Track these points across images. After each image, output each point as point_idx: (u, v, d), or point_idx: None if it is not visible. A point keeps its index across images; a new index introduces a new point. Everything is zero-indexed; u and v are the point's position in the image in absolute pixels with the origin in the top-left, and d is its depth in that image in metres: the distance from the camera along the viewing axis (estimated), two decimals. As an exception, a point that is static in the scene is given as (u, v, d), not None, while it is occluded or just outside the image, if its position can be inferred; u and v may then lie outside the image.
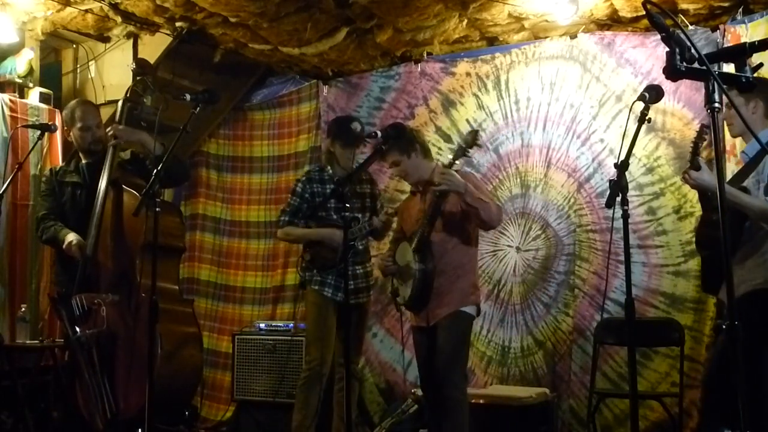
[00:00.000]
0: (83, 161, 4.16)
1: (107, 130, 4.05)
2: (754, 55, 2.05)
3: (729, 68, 2.12)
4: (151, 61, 4.92)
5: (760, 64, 2.40)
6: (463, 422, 3.52)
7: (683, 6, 4.43)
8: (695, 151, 3.13)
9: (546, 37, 5.05)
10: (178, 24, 4.92)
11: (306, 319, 4.34)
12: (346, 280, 3.38)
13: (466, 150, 3.55)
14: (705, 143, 3.24)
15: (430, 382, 3.71)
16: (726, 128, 4.38)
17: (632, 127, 2.86)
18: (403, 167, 3.76)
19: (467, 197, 3.49)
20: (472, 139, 3.54)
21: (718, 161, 2.27)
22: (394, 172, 4.01)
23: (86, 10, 4.83)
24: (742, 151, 3.24)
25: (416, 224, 3.70)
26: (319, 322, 4.09)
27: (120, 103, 4.12)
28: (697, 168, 2.99)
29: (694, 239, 4.45)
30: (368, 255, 4.33)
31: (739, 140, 4.25)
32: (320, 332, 4.07)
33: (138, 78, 4.12)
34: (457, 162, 3.59)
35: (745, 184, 3.06)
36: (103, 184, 3.92)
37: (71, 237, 3.91)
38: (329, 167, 4.21)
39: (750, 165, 3.12)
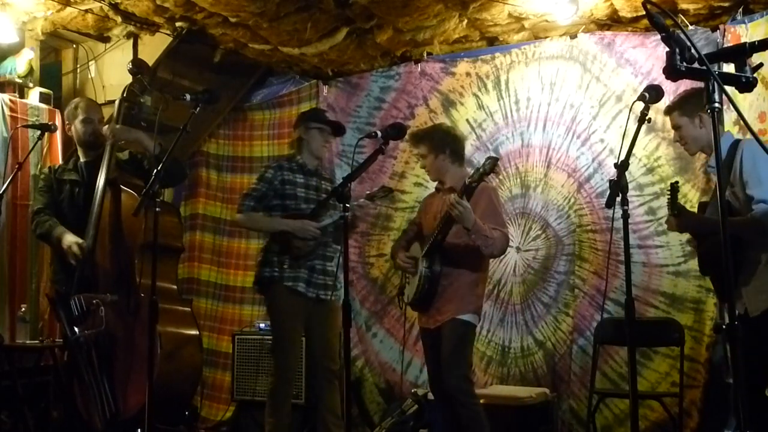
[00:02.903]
0: (82, 160, 4.17)
1: (104, 128, 4.06)
2: (754, 55, 2.05)
3: (729, 68, 2.11)
4: (151, 61, 4.93)
5: (760, 64, 2.39)
6: (483, 423, 3.58)
7: (683, 6, 4.43)
8: (673, 201, 3.30)
9: (546, 37, 5.05)
10: (178, 24, 4.92)
11: (271, 320, 4.11)
12: (346, 278, 3.20)
13: (484, 176, 3.53)
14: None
15: (437, 383, 3.75)
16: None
17: (632, 127, 2.86)
18: (427, 163, 3.84)
19: (472, 234, 3.54)
20: (491, 167, 3.51)
21: (718, 161, 2.26)
22: (420, 162, 4.05)
23: (86, 10, 4.84)
24: (708, 165, 3.29)
25: (433, 223, 3.74)
26: (288, 324, 3.93)
27: (117, 103, 4.13)
28: (678, 213, 3.23)
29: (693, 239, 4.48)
30: (334, 254, 4.19)
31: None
32: (288, 334, 3.94)
33: (135, 78, 4.12)
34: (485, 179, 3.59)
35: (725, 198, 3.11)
36: (101, 181, 3.92)
37: (70, 239, 3.90)
38: (299, 156, 4.10)
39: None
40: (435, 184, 5.29)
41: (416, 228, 3.99)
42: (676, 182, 3.44)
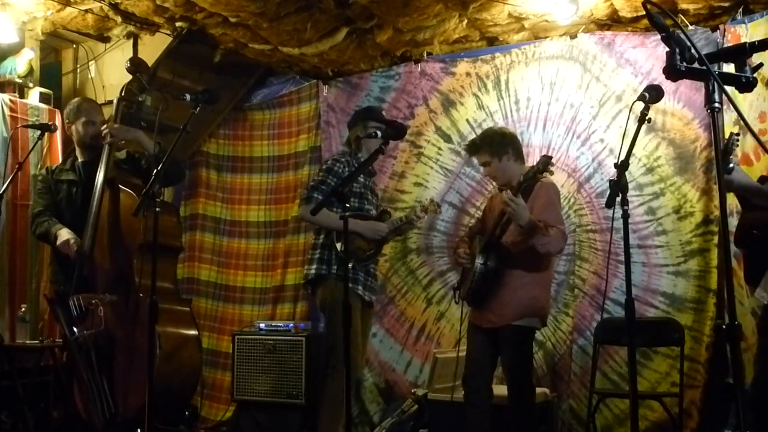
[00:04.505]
0: (79, 159, 4.17)
1: (102, 128, 4.06)
2: (754, 55, 2.05)
3: (729, 68, 2.11)
4: (151, 61, 4.92)
5: (760, 64, 2.39)
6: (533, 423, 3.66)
7: (683, 6, 4.43)
8: (725, 156, 3.09)
9: (546, 37, 5.05)
10: (178, 24, 4.92)
11: (329, 316, 3.98)
12: (346, 276, 3.18)
13: (538, 174, 3.47)
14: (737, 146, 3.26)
15: (472, 380, 3.72)
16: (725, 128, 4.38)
17: (632, 127, 2.86)
18: (492, 169, 3.77)
19: (525, 231, 3.49)
20: (544, 165, 3.46)
21: (718, 161, 2.26)
22: (483, 171, 4.06)
23: (86, 10, 4.84)
24: None
25: (492, 220, 3.74)
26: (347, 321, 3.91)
27: (115, 102, 4.13)
28: (730, 171, 3.01)
29: (693, 239, 4.48)
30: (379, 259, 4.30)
31: (740, 139, 4.25)
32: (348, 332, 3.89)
33: (133, 76, 4.12)
34: (545, 174, 3.50)
35: None
36: (99, 181, 3.93)
37: (65, 234, 3.91)
38: (360, 155, 4.08)
39: None
40: (435, 184, 5.33)
41: (480, 225, 3.97)
42: (738, 133, 3.18)
